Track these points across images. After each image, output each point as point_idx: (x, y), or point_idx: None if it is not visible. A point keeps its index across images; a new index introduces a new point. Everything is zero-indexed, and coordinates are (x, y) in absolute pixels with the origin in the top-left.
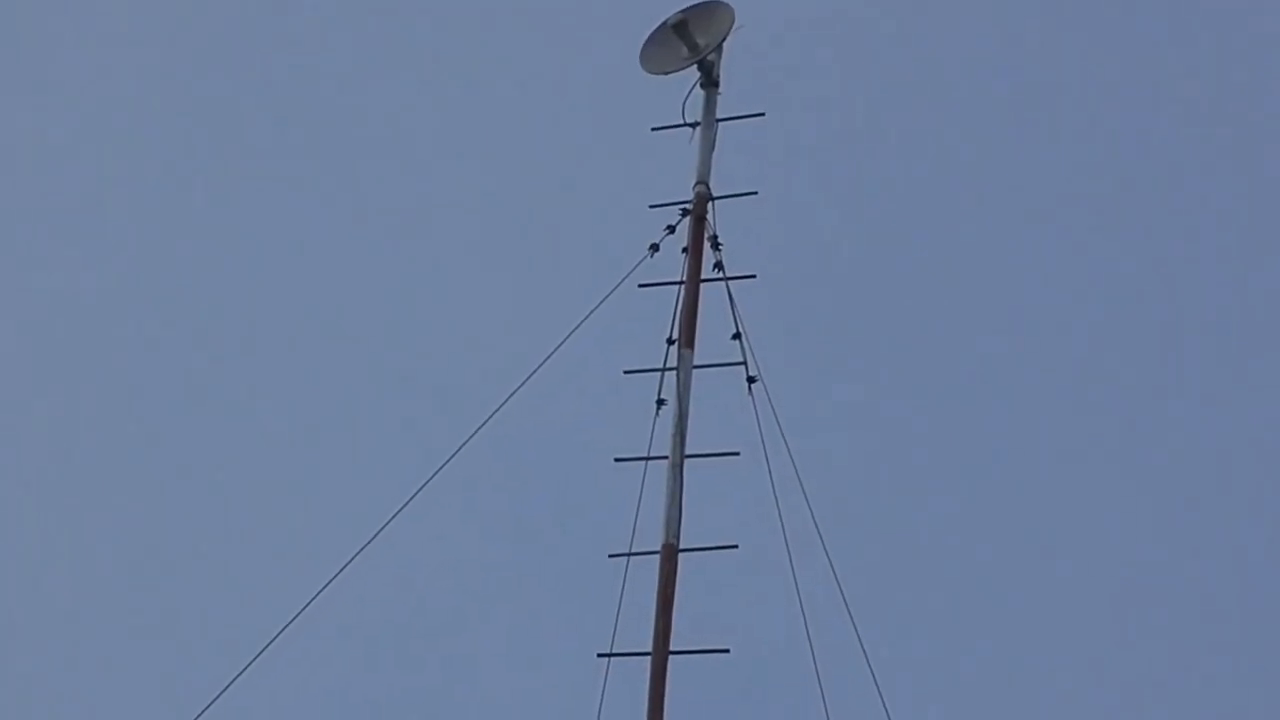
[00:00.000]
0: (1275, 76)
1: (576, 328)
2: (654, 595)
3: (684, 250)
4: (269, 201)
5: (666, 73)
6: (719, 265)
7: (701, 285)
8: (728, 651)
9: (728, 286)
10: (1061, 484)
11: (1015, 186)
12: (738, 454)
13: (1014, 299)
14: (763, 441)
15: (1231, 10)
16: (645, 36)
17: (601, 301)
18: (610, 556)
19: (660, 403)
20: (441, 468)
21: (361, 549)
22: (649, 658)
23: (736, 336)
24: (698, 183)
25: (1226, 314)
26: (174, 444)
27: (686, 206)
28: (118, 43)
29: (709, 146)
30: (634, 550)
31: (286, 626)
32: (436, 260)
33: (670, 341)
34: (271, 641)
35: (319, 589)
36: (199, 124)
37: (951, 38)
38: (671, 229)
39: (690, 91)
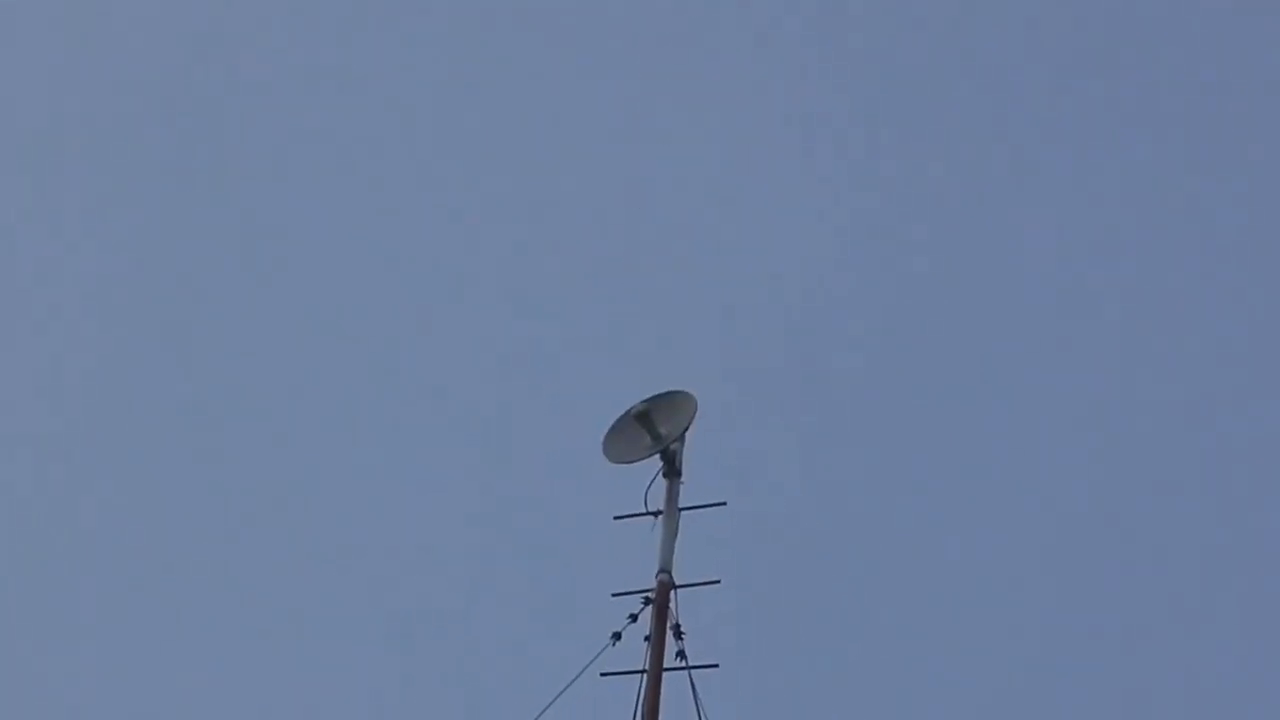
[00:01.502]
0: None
1: (539, 717)
2: None
3: (646, 638)
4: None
5: (629, 462)
6: (681, 654)
7: (664, 674)
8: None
9: (690, 676)
10: None
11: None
12: None
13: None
14: None
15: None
16: (608, 424)
17: (563, 690)
18: None
19: None
20: None
21: None
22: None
23: None
24: (660, 571)
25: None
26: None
27: (649, 595)
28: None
29: (671, 535)
30: None
31: None
32: (405, 672)
33: None
34: None
35: None
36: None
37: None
38: (634, 617)
39: (653, 481)
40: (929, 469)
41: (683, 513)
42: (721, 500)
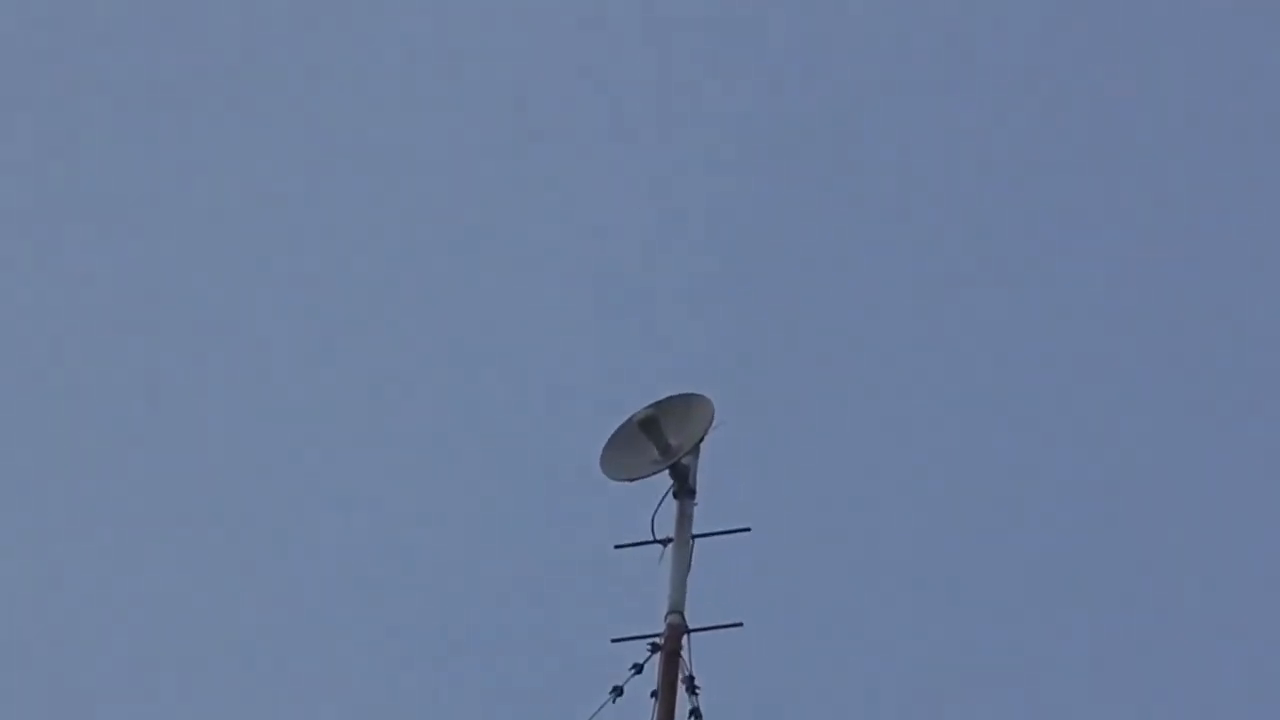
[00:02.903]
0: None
1: None
2: None
3: (653, 694)
4: None
5: (633, 479)
6: (695, 712)
7: None
8: None
9: None
10: None
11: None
12: None
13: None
14: None
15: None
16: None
17: None
18: None
19: None
20: None
21: None
22: None
23: None
24: (670, 612)
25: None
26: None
27: (657, 640)
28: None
29: (683, 568)
30: None
31: None
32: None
33: None
34: None
35: None
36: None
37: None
38: (639, 668)
39: (661, 502)
40: (940, 474)
41: (697, 540)
42: (745, 525)
